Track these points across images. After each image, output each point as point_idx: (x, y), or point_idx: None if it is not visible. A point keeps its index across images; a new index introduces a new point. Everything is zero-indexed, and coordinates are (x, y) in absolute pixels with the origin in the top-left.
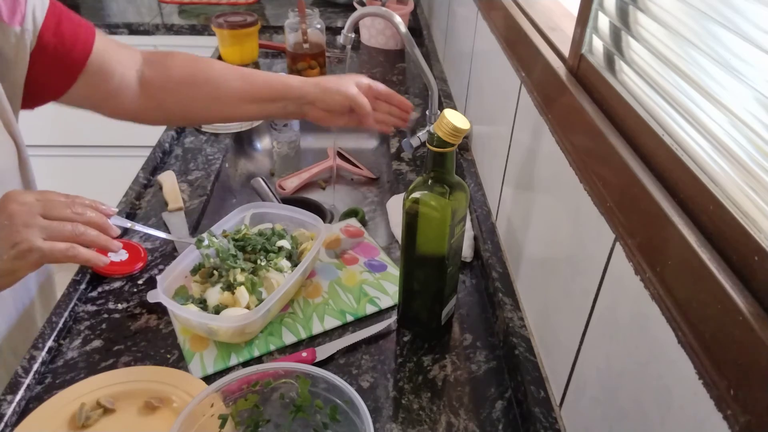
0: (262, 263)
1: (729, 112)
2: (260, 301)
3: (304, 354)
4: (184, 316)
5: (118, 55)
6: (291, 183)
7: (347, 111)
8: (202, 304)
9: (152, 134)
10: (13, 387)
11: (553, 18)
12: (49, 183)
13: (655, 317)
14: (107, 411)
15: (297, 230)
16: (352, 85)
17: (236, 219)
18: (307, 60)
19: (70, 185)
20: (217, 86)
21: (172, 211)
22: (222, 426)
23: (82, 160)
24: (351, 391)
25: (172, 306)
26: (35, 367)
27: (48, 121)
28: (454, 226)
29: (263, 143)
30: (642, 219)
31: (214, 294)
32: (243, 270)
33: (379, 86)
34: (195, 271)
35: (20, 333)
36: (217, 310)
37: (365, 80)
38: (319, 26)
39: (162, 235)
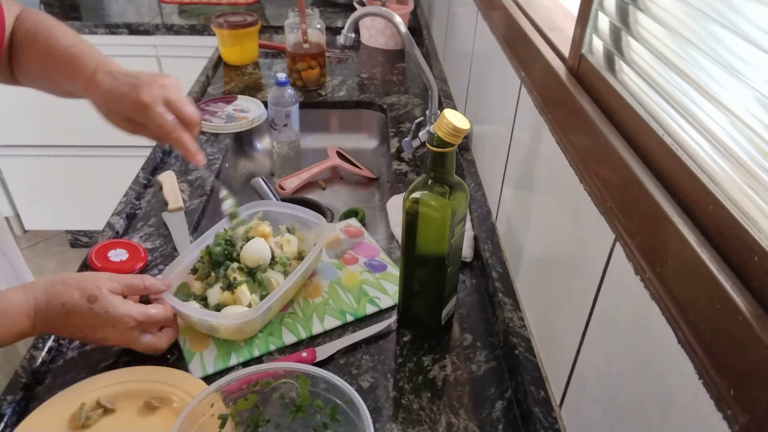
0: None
1: (729, 112)
2: (262, 298)
3: (304, 354)
4: (186, 312)
5: None
6: (291, 183)
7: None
8: (204, 301)
9: None
10: (13, 387)
11: (553, 18)
12: (49, 182)
13: (655, 317)
14: (107, 411)
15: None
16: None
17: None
18: (307, 60)
19: (70, 185)
20: (47, 43)
21: (172, 211)
22: (222, 426)
23: (82, 160)
24: (351, 391)
25: (174, 302)
26: (35, 367)
27: (48, 121)
28: (454, 226)
29: (263, 143)
30: (642, 219)
31: (215, 293)
32: (241, 269)
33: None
34: (195, 270)
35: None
36: (218, 308)
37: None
38: (319, 26)
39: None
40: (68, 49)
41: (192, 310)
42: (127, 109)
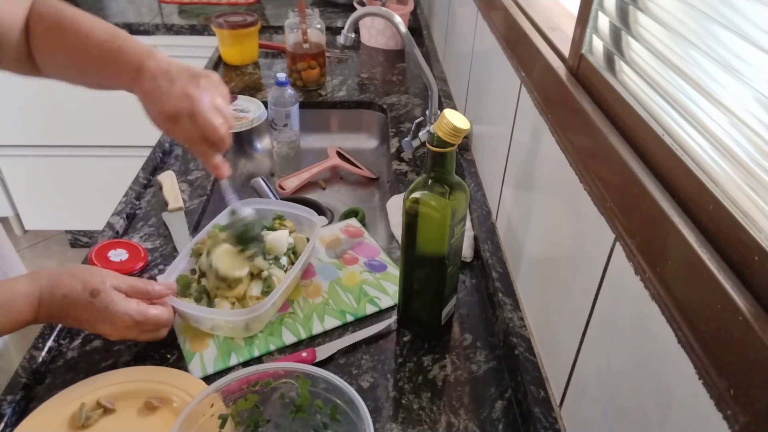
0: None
1: (729, 112)
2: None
3: (304, 354)
4: (191, 312)
5: (10, 18)
6: (291, 183)
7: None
8: (203, 293)
9: (152, 134)
10: (13, 387)
11: (553, 18)
12: (49, 182)
13: (655, 317)
14: (107, 411)
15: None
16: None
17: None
18: (307, 60)
19: (70, 185)
20: (80, 37)
21: (172, 211)
22: (222, 426)
23: (82, 160)
24: (351, 391)
25: (177, 304)
26: (35, 367)
27: (48, 121)
28: (454, 226)
29: (263, 143)
30: (642, 219)
31: (222, 260)
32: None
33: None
34: (195, 271)
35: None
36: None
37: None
38: (319, 26)
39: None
40: (103, 44)
41: (196, 309)
42: (154, 116)
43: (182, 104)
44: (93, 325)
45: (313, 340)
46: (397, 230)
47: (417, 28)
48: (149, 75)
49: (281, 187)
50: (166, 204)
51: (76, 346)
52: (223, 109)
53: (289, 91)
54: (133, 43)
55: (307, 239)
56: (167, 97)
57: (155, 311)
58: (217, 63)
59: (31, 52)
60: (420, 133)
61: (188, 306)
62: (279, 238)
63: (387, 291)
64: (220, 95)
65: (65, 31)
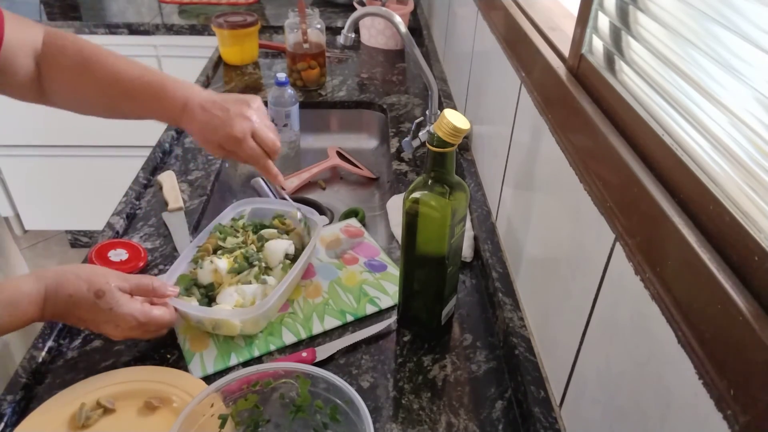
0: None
1: (729, 112)
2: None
3: (304, 354)
4: (193, 313)
5: (21, 46)
6: (291, 183)
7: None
8: (204, 288)
9: (152, 134)
10: (13, 387)
11: (553, 18)
12: (49, 182)
13: (655, 317)
14: (107, 411)
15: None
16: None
17: (233, 214)
18: (307, 60)
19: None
20: (109, 72)
21: (172, 211)
22: (222, 426)
23: (82, 160)
24: (351, 391)
25: (179, 305)
26: (35, 367)
27: (48, 121)
28: (454, 226)
29: None
30: (642, 219)
31: (220, 264)
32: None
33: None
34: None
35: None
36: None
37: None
38: (319, 26)
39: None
40: (139, 79)
41: (199, 310)
42: (221, 141)
43: (245, 126)
44: (97, 325)
45: (313, 340)
46: (397, 230)
47: (417, 28)
48: (199, 108)
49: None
50: (166, 204)
51: (76, 346)
52: (272, 126)
53: (289, 91)
54: (171, 79)
55: (309, 233)
56: (229, 123)
57: (158, 312)
58: (217, 63)
59: (43, 81)
60: (420, 133)
61: (189, 306)
62: (275, 251)
63: (387, 291)
64: (265, 114)
65: (92, 65)
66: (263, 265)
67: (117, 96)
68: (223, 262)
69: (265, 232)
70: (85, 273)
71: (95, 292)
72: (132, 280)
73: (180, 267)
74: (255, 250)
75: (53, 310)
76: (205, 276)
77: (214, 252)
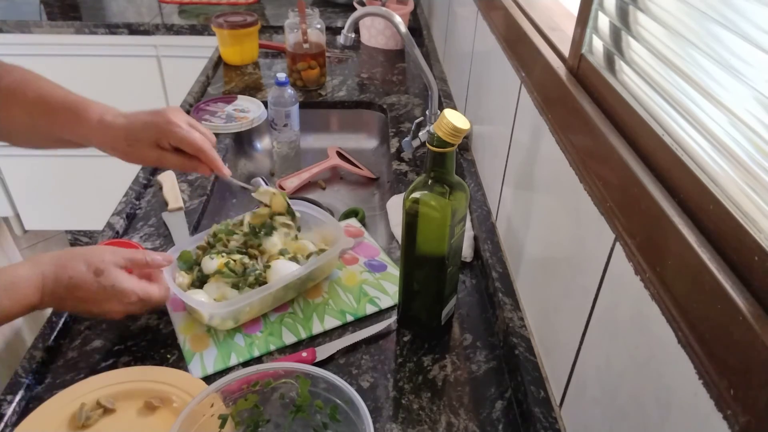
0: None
1: (729, 112)
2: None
3: (304, 354)
4: (194, 306)
5: None
6: (291, 183)
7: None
8: (201, 272)
9: None
10: (13, 387)
11: (553, 18)
12: (49, 182)
13: (655, 317)
14: (107, 411)
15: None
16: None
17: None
18: (307, 60)
19: (70, 185)
20: (36, 93)
21: (172, 211)
22: (222, 426)
23: (82, 160)
24: (351, 391)
25: (173, 288)
26: (35, 367)
27: None
28: (454, 226)
29: (263, 143)
30: (642, 219)
31: (211, 264)
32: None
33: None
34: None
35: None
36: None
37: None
38: (319, 26)
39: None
40: (66, 96)
41: (179, 292)
42: (154, 134)
43: (180, 115)
44: (100, 304)
45: (313, 340)
46: (397, 230)
47: (417, 28)
48: (120, 117)
49: (281, 187)
50: (166, 204)
51: (76, 346)
52: (196, 125)
53: (289, 91)
54: (94, 101)
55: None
56: (161, 115)
57: (156, 288)
58: (217, 63)
59: None
60: (420, 133)
61: (172, 285)
62: (279, 272)
63: (387, 291)
64: (185, 116)
65: (28, 88)
66: (260, 277)
67: (39, 116)
68: (215, 262)
69: (270, 244)
70: (79, 254)
71: (94, 270)
72: (126, 254)
73: (186, 245)
74: (259, 263)
75: (53, 294)
76: (208, 265)
77: (215, 248)
